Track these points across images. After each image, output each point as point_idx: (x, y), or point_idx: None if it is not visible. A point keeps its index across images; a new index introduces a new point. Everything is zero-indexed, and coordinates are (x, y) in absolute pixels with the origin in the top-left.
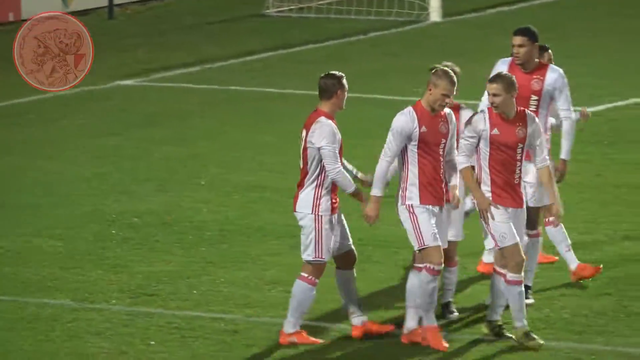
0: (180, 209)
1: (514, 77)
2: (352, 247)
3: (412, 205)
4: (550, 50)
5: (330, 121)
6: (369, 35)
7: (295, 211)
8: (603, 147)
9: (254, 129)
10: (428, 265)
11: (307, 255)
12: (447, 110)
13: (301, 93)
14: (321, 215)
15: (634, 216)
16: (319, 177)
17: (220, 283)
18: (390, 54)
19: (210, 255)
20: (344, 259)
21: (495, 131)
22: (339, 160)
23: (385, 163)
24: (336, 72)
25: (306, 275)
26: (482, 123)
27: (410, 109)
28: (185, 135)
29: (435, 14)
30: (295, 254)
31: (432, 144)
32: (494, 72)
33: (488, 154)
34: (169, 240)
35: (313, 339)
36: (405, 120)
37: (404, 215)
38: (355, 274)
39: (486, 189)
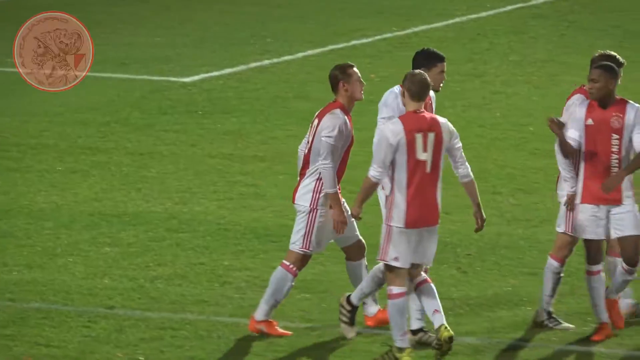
0: None
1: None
2: (360, 237)
3: None
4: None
5: (341, 114)
6: None
7: (294, 202)
8: (198, 117)
9: None
10: None
11: (294, 244)
12: None
13: None
14: (317, 209)
15: (228, 185)
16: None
17: None
18: None
19: None
20: (353, 250)
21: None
22: (333, 157)
23: None
24: (341, 64)
25: (288, 263)
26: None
27: None
28: None
29: None
30: None
31: None
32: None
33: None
34: None
35: (282, 331)
36: None
37: None
38: (366, 263)
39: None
